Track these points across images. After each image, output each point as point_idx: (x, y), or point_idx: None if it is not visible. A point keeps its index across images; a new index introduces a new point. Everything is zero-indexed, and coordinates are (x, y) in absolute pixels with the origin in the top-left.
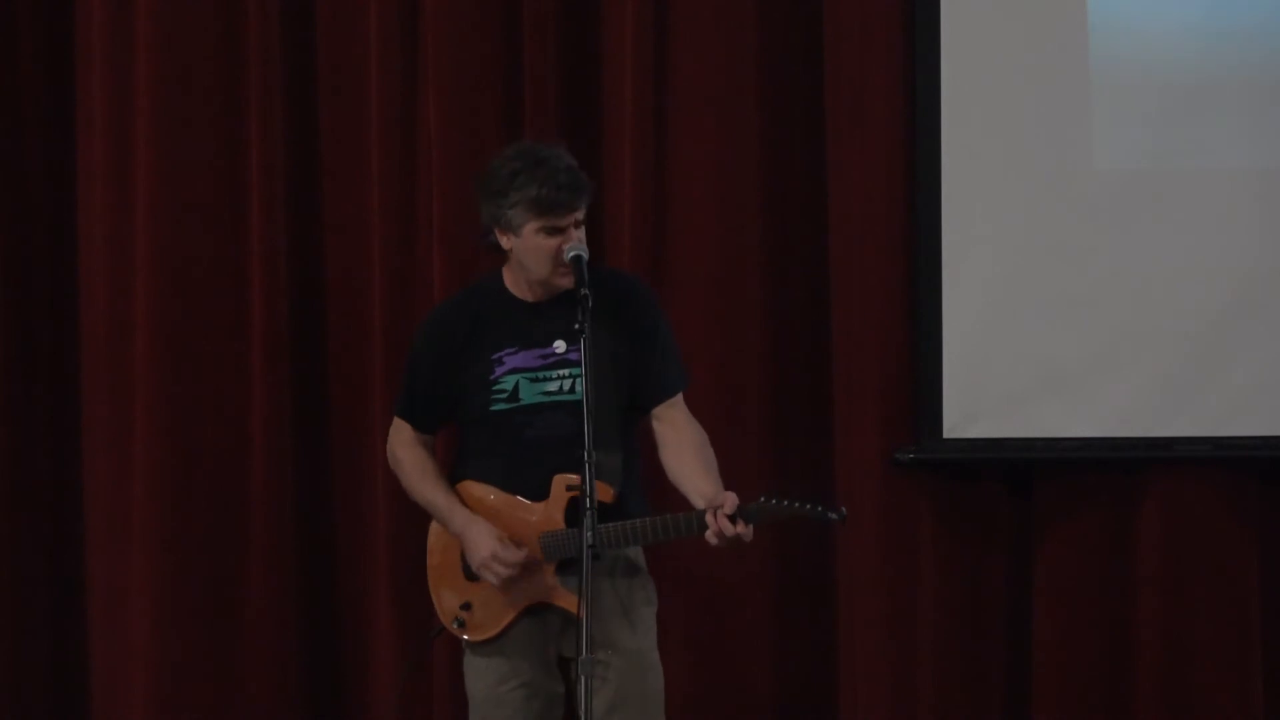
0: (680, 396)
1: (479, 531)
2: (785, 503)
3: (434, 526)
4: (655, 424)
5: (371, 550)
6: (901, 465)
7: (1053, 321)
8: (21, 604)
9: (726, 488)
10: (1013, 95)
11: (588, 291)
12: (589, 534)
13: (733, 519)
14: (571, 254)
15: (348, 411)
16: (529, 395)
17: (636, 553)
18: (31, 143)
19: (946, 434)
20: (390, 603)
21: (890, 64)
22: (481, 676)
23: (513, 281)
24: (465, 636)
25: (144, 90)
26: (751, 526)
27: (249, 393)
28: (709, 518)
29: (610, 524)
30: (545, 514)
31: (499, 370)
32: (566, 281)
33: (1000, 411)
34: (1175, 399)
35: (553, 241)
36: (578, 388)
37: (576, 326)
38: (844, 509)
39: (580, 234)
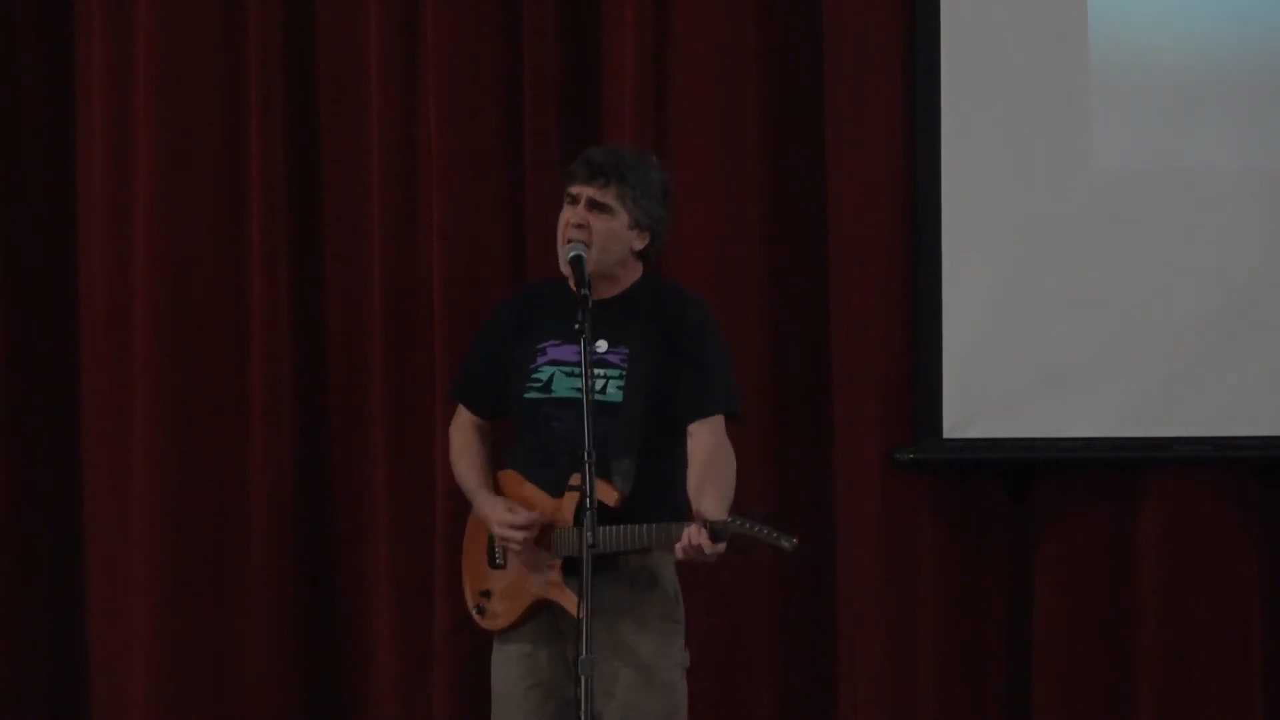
0: (720, 419)
1: (491, 503)
2: (748, 524)
3: (471, 513)
4: (688, 440)
5: (371, 550)
6: (901, 465)
7: (1053, 321)
8: (22, 604)
9: None
10: (1013, 95)
11: (588, 292)
12: (589, 534)
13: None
14: (571, 254)
15: (348, 411)
16: (561, 389)
17: (664, 567)
18: (31, 143)
19: (946, 434)
20: (390, 603)
21: (890, 64)
22: (502, 672)
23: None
24: (483, 625)
25: (144, 90)
26: (721, 545)
27: (248, 393)
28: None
29: (603, 527)
30: (558, 510)
31: (539, 360)
32: (564, 265)
33: (1000, 411)
34: (1175, 399)
35: (565, 212)
36: (611, 389)
37: (576, 326)
38: (795, 540)
39: (600, 224)
